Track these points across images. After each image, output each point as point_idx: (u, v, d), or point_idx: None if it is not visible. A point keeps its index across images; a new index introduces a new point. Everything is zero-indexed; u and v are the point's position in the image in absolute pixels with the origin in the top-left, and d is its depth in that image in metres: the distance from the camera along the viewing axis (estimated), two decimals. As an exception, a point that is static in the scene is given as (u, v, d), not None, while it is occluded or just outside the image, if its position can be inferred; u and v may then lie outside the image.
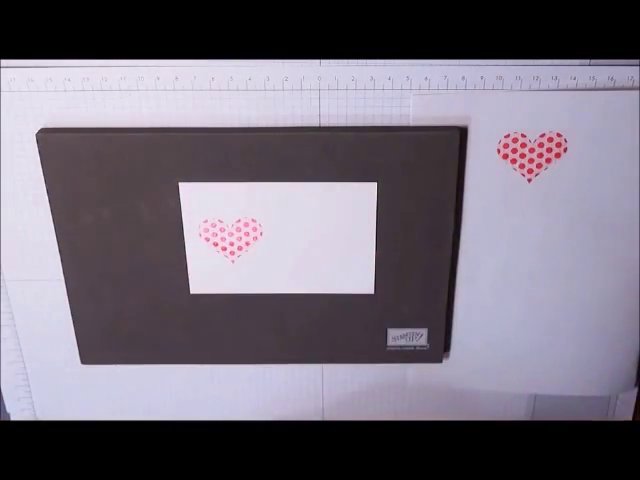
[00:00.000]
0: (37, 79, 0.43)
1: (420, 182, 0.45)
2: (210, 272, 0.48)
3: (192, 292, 0.48)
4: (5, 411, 0.56)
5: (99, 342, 0.50)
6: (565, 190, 0.46)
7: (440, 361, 0.51)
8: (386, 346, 0.51)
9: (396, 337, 0.50)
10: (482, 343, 0.51)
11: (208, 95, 0.44)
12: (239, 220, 0.46)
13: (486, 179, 0.45)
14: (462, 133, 0.44)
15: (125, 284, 0.48)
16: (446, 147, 0.43)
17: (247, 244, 0.47)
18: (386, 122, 0.44)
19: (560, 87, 0.43)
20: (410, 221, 0.46)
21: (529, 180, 0.45)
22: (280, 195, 0.45)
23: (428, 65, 0.43)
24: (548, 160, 0.45)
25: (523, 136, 0.44)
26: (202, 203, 0.45)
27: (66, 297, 0.49)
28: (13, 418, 0.56)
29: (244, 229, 0.46)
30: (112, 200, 0.45)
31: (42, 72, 0.43)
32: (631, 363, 0.52)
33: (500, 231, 0.47)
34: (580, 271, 0.48)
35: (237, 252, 0.47)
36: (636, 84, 0.43)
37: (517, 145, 0.44)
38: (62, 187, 0.45)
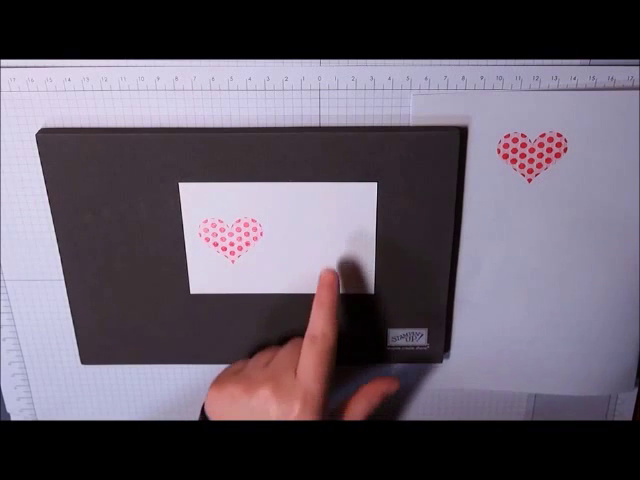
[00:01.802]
0: (37, 79, 0.43)
1: (420, 182, 0.45)
2: (210, 272, 0.48)
3: (192, 292, 0.48)
4: (5, 411, 0.56)
5: (99, 342, 0.50)
6: (565, 190, 0.46)
7: (440, 361, 0.51)
8: (386, 346, 0.51)
9: (396, 337, 0.50)
10: (482, 343, 0.51)
11: (208, 95, 0.44)
12: (239, 220, 0.46)
13: (486, 179, 0.45)
14: (462, 133, 0.44)
15: (125, 284, 0.48)
16: (446, 147, 0.43)
17: (247, 244, 0.47)
18: (386, 122, 0.44)
19: (560, 87, 0.43)
20: (410, 221, 0.46)
21: (529, 180, 0.45)
22: (280, 195, 0.45)
23: (428, 65, 0.43)
24: (548, 160, 0.45)
25: (523, 136, 0.44)
26: (202, 203, 0.45)
27: (66, 297, 0.49)
28: (13, 418, 0.56)
29: (244, 229, 0.46)
30: (112, 200, 0.45)
31: (42, 72, 0.43)
32: (631, 363, 0.52)
33: (500, 231, 0.47)
34: (580, 271, 0.48)
35: (237, 252, 0.47)
36: (636, 84, 0.43)
37: (517, 145, 0.44)
38: (62, 187, 0.45)
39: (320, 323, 0.43)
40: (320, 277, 0.45)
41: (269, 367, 0.44)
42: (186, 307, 0.49)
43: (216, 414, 0.44)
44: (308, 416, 0.42)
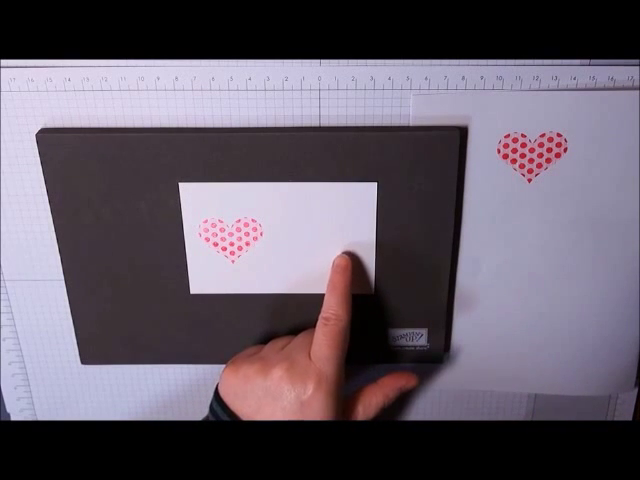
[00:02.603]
0: (37, 79, 0.43)
1: (420, 182, 0.45)
2: (210, 272, 0.48)
3: (192, 292, 0.48)
4: (5, 411, 0.56)
5: (99, 342, 0.50)
6: (565, 190, 0.46)
7: (440, 361, 0.51)
8: (386, 346, 0.51)
9: (396, 337, 0.50)
10: (482, 343, 0.51)
11: (208, 95, 0.44)
12: (239, 220, 0.46)
13: (486, 179, 0.45)
14: (462, 133, 0.44)
15: (125, 284, 0.48)
16: (446, 147, 0.43)
17: (247, 244, 0.47)
18: (386, 122, 0.44)
19: (560, 87, 0.43)
20: (410, 221, 0.46)
21: (529, 180, 0.45)
22: (280, 195, 0.45)
23: (428, 65, 0.43)
24: (548, 160, 0.45)
25: (523, 136, 0.44)
26: (202, 203, 0.45)
27: (66, 297, 0.49)
28: (13, 418, 0.56)
29: (244, 229, 0.46)
30: (112, 200, 0.45)
31: (42, 72, 0.43)
32: (631, 363, 0.52)
33: (500, 231, 0.47)
34: (580, 271, 0.48)
35: (237, 252, 0.47)
36: (636, 84, 0.43)
37: (517, 145, 0.44)
38: (62, 187, 0.45)
39: (333, 305, 0.44)
40: (334, 263, 0.46)
41: (284, 350, 0.45)
42: (186, 307, 0.49)
43: (230, 394, 0.44)
44: (322, 396, 0.42)
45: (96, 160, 0.44)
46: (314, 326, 0.45)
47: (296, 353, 0.44)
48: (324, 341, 0.43)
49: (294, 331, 0.49)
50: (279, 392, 0.42)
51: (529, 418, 0.56)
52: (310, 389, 0.42)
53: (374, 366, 0.52)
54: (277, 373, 0.43)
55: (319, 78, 0.43)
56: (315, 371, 0.42)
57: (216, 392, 0.46)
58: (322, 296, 0.46)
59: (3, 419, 0.56)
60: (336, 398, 0.43)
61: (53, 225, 0.46)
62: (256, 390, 0.43)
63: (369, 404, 0.45)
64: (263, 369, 0.43)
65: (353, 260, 0.47)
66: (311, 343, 0.44)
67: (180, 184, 0.45)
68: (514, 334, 0.51)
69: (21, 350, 0.53)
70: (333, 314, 0.44)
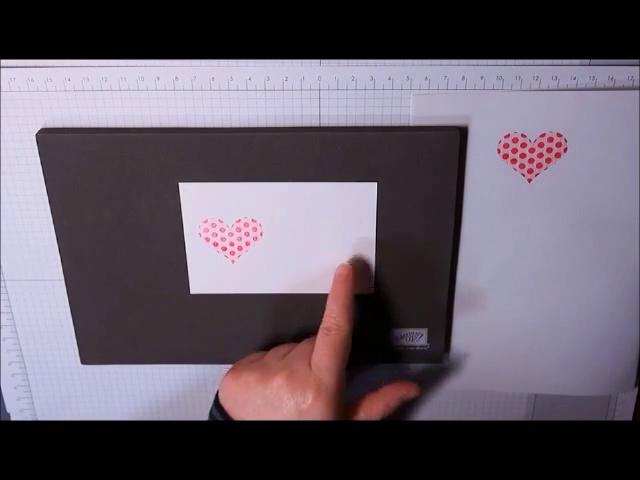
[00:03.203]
0: (37, 79, 0.43)
1: (420, 182, 0.45)
2: (210, 272, 0.48)
3: (192, 292, 0.48)
4: (5, 411, 0.56)
5: (99, 342, 0.50)
6: (565, 190, 0.46)
7: (440, 361, 0.51)
8: (386, 346, 0.51)
9: (396, 337, 0.50)
10: (482, 343, 0.51)
11: (208, 95, 0.44)
12: (239, 220, 0.46)
13: (486, 179, 0.45)
14: (462, 133, 0.44)
15: (125, 284, 0.48)
16: (446, 147, 0.43)
17: (247, 244, 0.47)
18: (386, 122, 0.44)
19: (560, 87, 0.43)
20: (410, 221, 0.46)
21: (529, 180, 0.45)
22: (280, 195, 0.45)
23: (428, 65, 0.43)
24: (548, 160, 0.45)
25: (523, 136, 0.44)
26: (202, 203, 0.45)
27: (66, 297, 0.49)
28: (13, 418, 0.56)
29: (244, 229, 0.46)
30: (112, 200, 0.45)
31: (42, 72, 0.43)
32: (631, 363, 0.52)
33: (500, 231, 0.47)
34: (580, 271, 0.48)
35: (237, 252, 0.47)
36: (636, 84, 0.43)
37: (517, 145, 0.44)
38: (62, 187, 0.45)
39: (335, 315, 0.44)
40: (336, 272, 0.46)
41: (285, 358, 0.45)
42: (186, 307, 0.49)
43: (230, 401, 0.44)
44: (321, 406, 0.42)
45: (96, 160, 0.44)
46: (315, 326, 0.45)
47: (296, 362, 0.44)
48: (324, 351, 0.43)
49: (294, 331, 0.49)
50: (278, 401, 0.42)
51: (529, 418, 0.56)
52: (309, 399, 0.42)
53: (374, 367, 0.52)
54: (277, 382, 0.43)
55: (319, 78, 0.43)
56: (315, 381, 0.42)
57: (216, 398, 0.46)
58: (322, 296, 0.46)
59: (3, 419, 0.56)
60: (335, 408, 0.43)
61: (53, 225, 0.46)
62: (256, 398, 0.43)
63: (370, 413, 0.45)
64: (263, 377, 0.43)
65: (353, 261, 0.47)
66: (312, 352, 0.44)
67: (180, 184, 0.45)
68: (514, 334, 0.51)
69: (21, 350, 0.53)
70: (334, 324, 0.44)
